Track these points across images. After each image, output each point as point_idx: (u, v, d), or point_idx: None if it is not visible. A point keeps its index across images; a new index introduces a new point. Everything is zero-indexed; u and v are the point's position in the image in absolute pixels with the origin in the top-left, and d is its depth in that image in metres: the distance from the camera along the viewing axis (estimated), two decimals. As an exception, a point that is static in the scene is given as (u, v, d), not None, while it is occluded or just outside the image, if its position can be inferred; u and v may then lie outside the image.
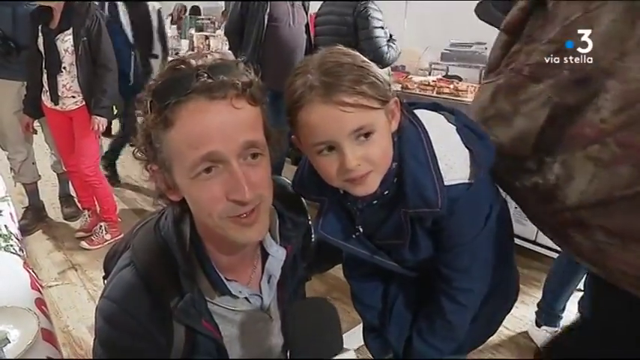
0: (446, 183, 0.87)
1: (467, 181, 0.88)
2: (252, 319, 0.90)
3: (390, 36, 3.03)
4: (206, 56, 0.76)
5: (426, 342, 1.09)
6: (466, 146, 0.89)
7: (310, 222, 1.07)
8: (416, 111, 0.95)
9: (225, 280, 0.83)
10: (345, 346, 0.76)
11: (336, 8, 2.98)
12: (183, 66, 0.74)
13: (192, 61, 0.74)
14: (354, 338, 1.95)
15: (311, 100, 0.78)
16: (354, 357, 0.74)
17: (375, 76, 0.81)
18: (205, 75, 0.71)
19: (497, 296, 1.11)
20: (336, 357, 0.74)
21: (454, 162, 0.88)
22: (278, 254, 0.91)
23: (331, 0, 3.10)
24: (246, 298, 0.88)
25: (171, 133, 0.72)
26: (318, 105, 0.78)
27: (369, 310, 1.19)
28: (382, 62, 2.93)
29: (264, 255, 0.91)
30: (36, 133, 3.09)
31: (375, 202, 0.93)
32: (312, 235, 1.09)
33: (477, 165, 0.88)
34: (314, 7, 3.37)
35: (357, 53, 0.84)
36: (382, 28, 2.93)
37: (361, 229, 0.99)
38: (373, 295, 1.17)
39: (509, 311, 1.22)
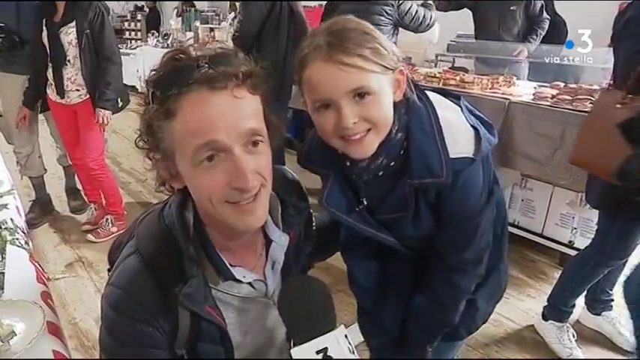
0: (451, 155, 0.90)
1: (471, 155, 0.91)
2: (257, 305, 0.91)
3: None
4: (205, 46, 0.77)
5: (419, 325, 1.11)
6: (471, 126, 0.93)
7: (311, 209, 1.08)
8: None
9: (228, 265, 0.84)
10: (349, 339, 0.75)
11: (369, 7, 2.90)
12: (182, 56, 0.74)
13: (192, 51, 0.75)
14: (358, 332, 1.94)
15: (314, 58, 0.84)
16: (345, 332, 0.73)
17: (380, 44, 0.85)
18: (206, 65, 0.72)
19: (489, 284, 1.14)
20: (327, 334, 0.73)
21: (459, 137, 0.92)
22: (281, 240, 0.92)
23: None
24: (250, 284, 0.89)
25: (173, 124, 0.73)
26: (320, 63, 0.83)
27: (364, 292, 1.19)
28: (428, 27, 3.04)
29: (268, 241, 0.92)
30: (26, 125, 3.00)
31: (380, 173, 0.95)
32: (314, 223, 1.11)
33: (480, 144, 0.92)
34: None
35: (367, 23, 0.88)
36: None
37: (365, 202, 1.01)
38: (369, 277, 1.17)
39: (498, 301, 1.23)
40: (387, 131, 0.90)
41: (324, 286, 0.80)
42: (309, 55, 0.84)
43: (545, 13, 3.82)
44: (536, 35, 3.76)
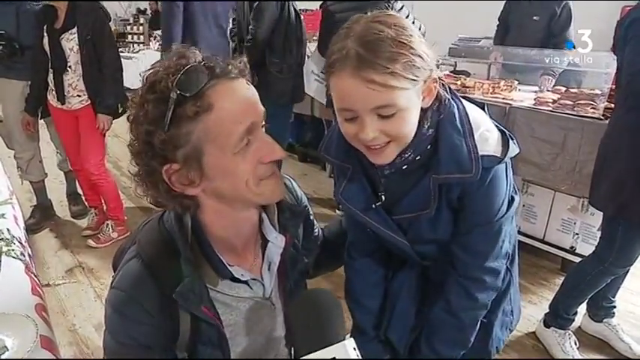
0: (480, 153, 0.89)
1: (499, 155, 0.90)
2: (255, 306, 0.92)
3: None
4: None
5: (432, 344, 1.07)
6: (497, 128, 0.94)
7: (311, 215, 1.10)
8: None
9: (227, 264, 0.86)
10: (353, 345, 0.74)
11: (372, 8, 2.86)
12: (184, 59, 0.77)
13: (188, 53, 0.79)
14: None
15: (343, 69, 0.79)
16: (354, 345, 0.72)
17: (415, 54, 0.79)
18: (211, 63, 0.77)
19: (500, 308, 1.11)
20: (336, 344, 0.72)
21: (488, 136, 0.91)
22: (277, 241, 0.94)
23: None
24: (247, 284, 0.90)
25: (210, 117, 0.75)
26: (348, 77, 0.79)
27: (363, 308, 1.15)
28: None
29: (264, 243, 0.94)
30: (31, 132, 3.05)
31: (404, 167, 0.94)
32: (315, 228, 1.14)
33: (507, 146, 0.91)
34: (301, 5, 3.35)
35: (407, 25, 0.82)
36: None
37: (383, 198, 0.99)
38: (371, 291, 1.14)
39: (511, 331, 1.20)
40: (409, 141, 0.88)
41: (332, 296, 0.79)
42: (338, 62, 0.80)
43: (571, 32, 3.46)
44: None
